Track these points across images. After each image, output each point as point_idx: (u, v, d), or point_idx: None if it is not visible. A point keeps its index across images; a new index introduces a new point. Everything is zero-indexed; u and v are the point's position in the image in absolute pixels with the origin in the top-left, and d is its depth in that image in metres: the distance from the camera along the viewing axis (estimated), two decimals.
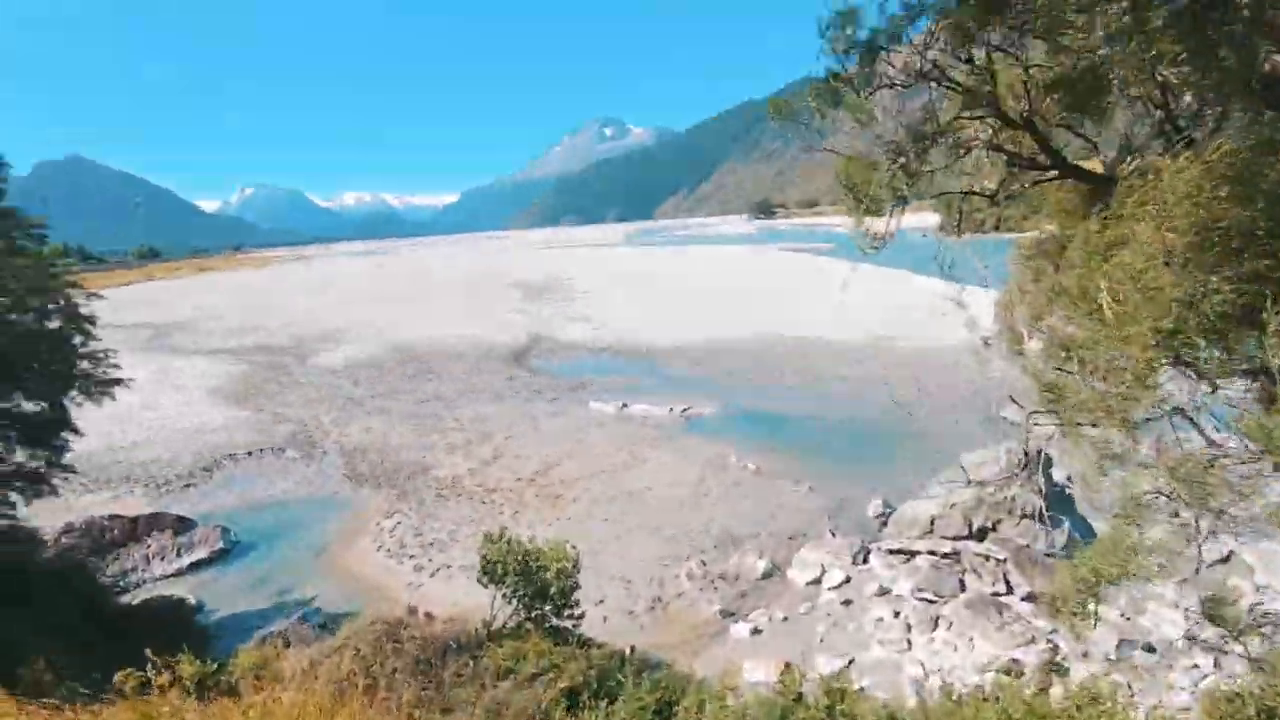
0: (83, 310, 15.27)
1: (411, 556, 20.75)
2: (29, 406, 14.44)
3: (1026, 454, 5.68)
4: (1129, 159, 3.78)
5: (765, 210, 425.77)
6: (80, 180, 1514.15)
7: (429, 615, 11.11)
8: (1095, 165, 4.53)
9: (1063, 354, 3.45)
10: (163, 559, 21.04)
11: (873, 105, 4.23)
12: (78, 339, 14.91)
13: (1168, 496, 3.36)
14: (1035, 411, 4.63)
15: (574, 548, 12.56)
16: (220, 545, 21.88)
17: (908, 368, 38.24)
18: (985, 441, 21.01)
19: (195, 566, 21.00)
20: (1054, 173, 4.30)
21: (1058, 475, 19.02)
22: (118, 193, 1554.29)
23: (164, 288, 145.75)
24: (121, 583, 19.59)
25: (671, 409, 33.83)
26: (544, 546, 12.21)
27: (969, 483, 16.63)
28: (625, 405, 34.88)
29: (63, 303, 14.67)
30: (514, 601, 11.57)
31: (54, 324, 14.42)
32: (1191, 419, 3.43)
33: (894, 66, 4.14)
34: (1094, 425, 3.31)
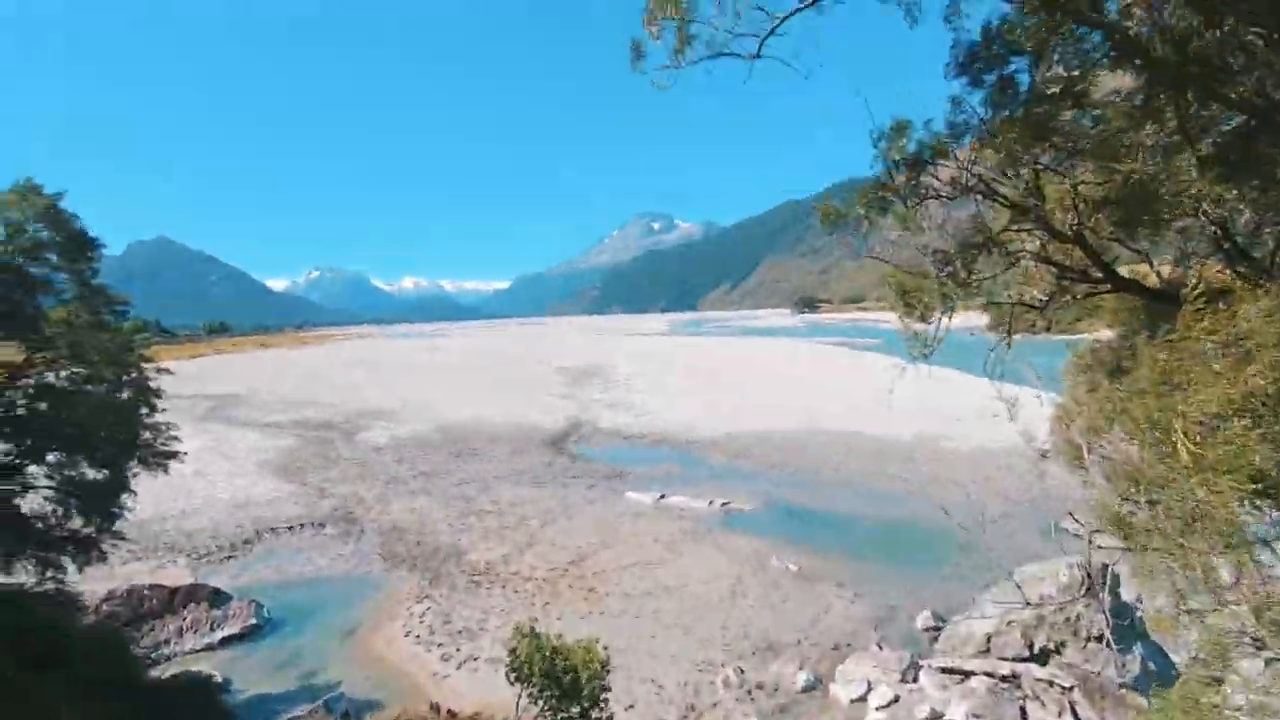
0: (151, 383, 16.11)
1: (440, 644, 20.24)
2: (91, 473, 15.04)
3: (1090, 573, 5.34)
4: (1188, 274, 3.73)
5: (809, 304, 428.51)
6: (165, 259, 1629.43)
7: (451, 714, 10.71)
8: (1145, 270, 4.49)
9: (1129, 484, 3.29)
10: (196, 632, 21.01)
11: (920, 215, 4.33)
12: (143, 410, 15.64)
13: (1253, 640, 3.08)
14: (1098, 531, 4.39)
15: (605, 647, 12.10)
16: (253, 621, 21.78)
17: (957, 469, 36.88)
18: (1042, 553, 19.80)
19: (227, 642, 20.88)
20: (1107, 286, 4.27)
21: (1125, 595, 17.68)
22: (197, 271, 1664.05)
23: (227, 362, 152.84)
24: (154, 654, 19.56)
25: (710, 502, 33.09)
26: (574, 644, 11.80)
27: (1027, 604, 15.50)
28: (663, 496, 34.29)
29: (135, 375, 15.52)
30: (540, 702, 11.10)
31: (124, 395, 15.21)
32: (1276, 550, 3.20)
33: (940, 179, 4.25)
34: (1169, 564, 3.10)
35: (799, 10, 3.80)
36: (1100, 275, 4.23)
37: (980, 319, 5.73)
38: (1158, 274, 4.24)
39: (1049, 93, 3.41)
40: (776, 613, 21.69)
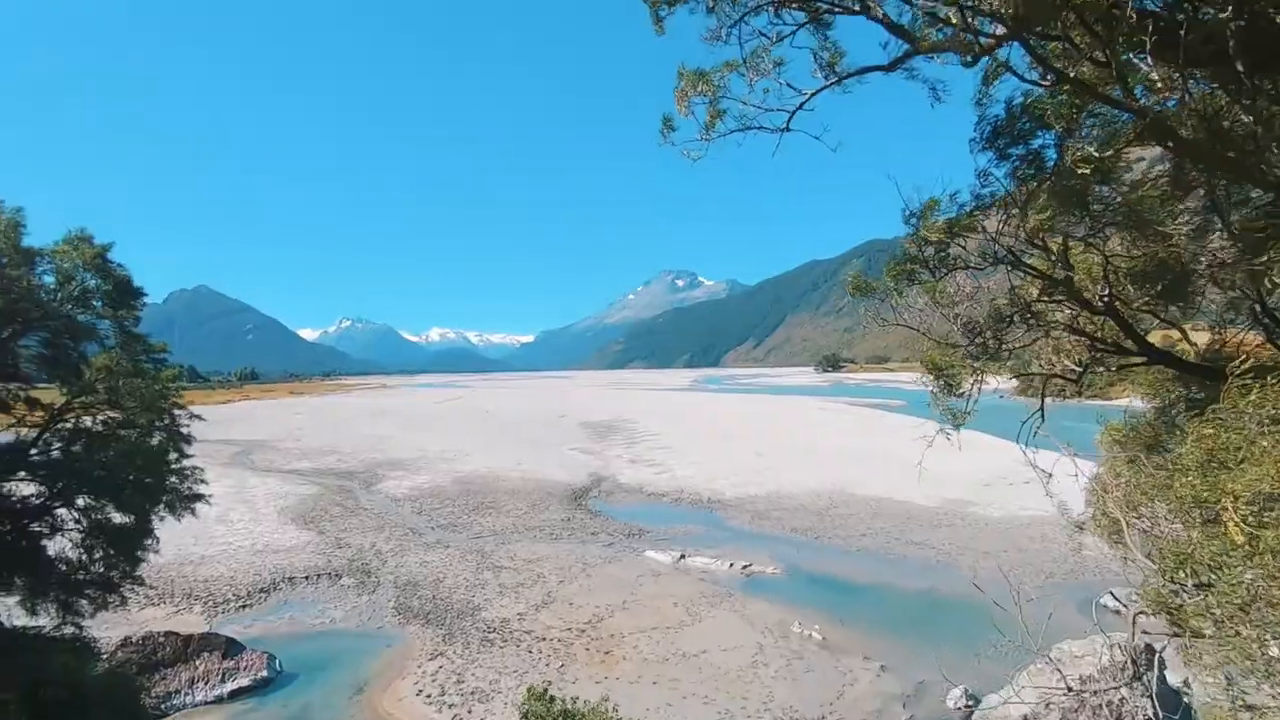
0: (183, 429, 16.37)
1: (451, 705, 19.70)
2: (117, 518, 15.17)
3: (1134, 656, 5.07)
4: (1227, 349, 3.66)
5: (833, 364, 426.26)
6: (204, 307, 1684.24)
7: None
8: (1180, 341, 4.41)
9: (1176, 565, 3.15)
10: (207, 683, 20.72)
11: (949, 285, 4.34)
12: (172, 455, 15.87)
13: None
14: (1142, 611, 4.20)
15: (615, 709, 11.68)
16: (264, 673, 21.45)
17: (987, 538, 35.71)
18: (1080, 629, 18.86)
19: (237, 694, 20.56)
20: (1141, 358, 4.19)
21: (1172, 679, 16.68)
22: (233, 320, 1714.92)
23: (256, 408, 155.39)
24: (164, 705, 19.29)
25: (731, 565, 32.29)
26: (587, 710, 11.41)
27: (1069, 689, 14.64)
28: (683, 556, 33.57)
29: (167, 421, 15.81)
30: None
31: (155, 441, 15.47)
32: None
33: (968, 250, 4.27)
34: (1224, 653, 2.93)
35: (827, 87, 3.93)
36: (1134, 347, 4.17)
37: (1008, 382, 5.65)
38: (1194, 347, 4.17)
39: (1077, 170, 3.45)
40: (799, 685, 20.82)
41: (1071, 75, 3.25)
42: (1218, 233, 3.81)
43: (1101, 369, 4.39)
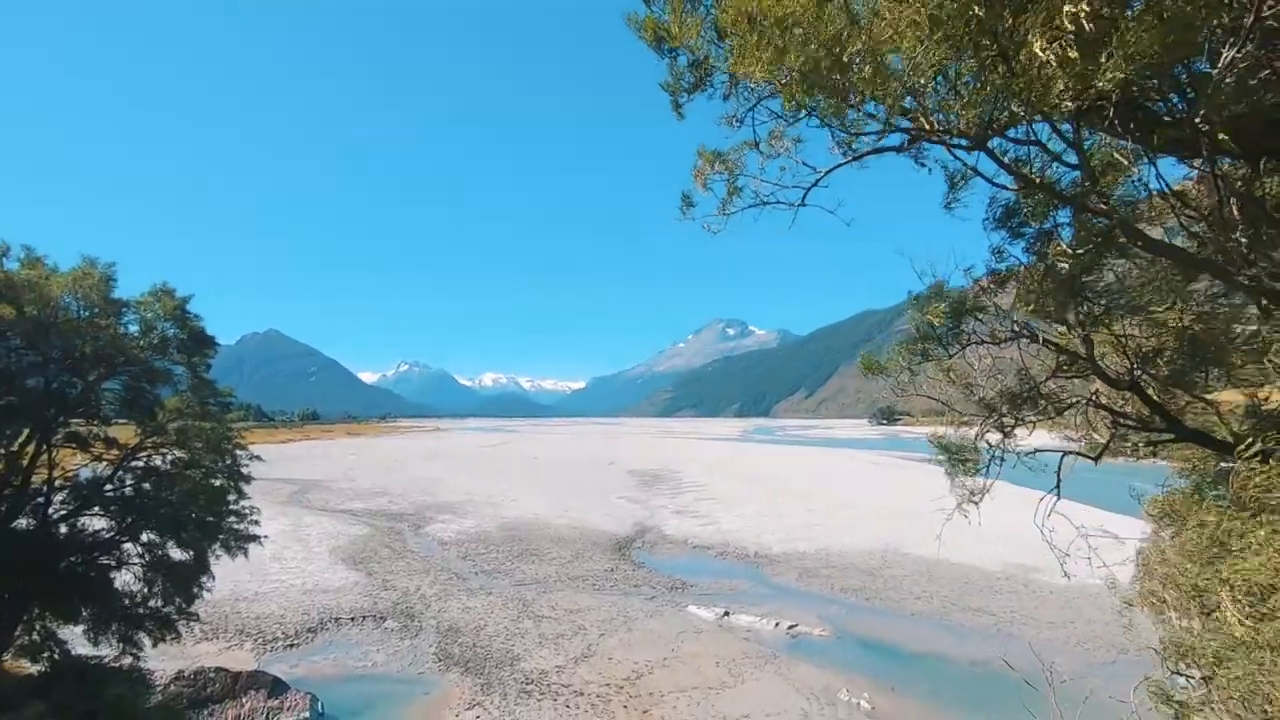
0: (243, 469, 17.20)
1: None
2: (178, 554, 15.93)
3: None
4: (1258, 431, 3.55)
5: (888, 416, 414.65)
6: (273, 350, 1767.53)
7: None
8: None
9: (1176, 655, 3.02)
10: None
11: (965, 360, 4.35)
12: (232, 495, 16.66)
13: None
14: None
15: None
16: (306, 715, 21.68)
17: (1050, 608, 33.64)
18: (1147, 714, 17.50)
19: None
20: (1170, 435, 4.08)
21: None
22: (299, 362, 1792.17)
23: (315, 447, 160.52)
24: None
25: (777, 624, 31.26)
26: None
27: None
28: (727, 614, 32.70)
29: (229, 462, 16.66)
30: None
31: (217, 481, 16.30)
32: None
33: (983, 323, 4.29)
34: None
35: (841, 165, 4.10)
36: (1161, 424, 4.06)
37: (1054, 440, 5.49)
38: (1227, 425, 4.03)
39: (1058, 264, 3.48)
40: None
41: (1039, 181, 3.33)
42: (1246, 303, 3.75)
43: (1129, 444, 4.29)
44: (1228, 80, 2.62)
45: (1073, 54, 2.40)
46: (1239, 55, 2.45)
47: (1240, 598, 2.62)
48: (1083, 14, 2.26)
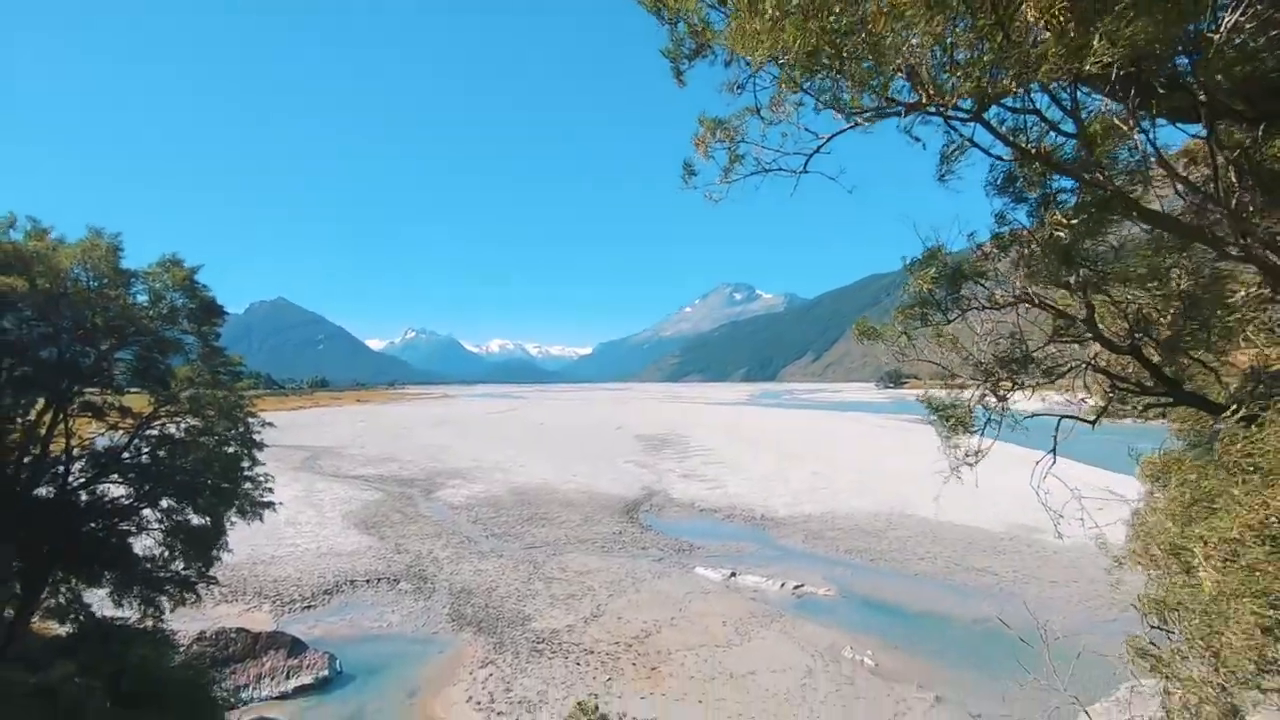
0: (256, 437, 17.47)
1: (500, 713, 20.12)
2: (195, 519, 16.31)
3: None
4: (1248, 394, 3.59)
5: (895, 380, 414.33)
6: (281, 318, 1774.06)
7: None
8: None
9: (1152, 610, 3.10)
10: (272, 679, 21.80)
11: (963, 325, 4.36)
12: (245, 462, 16.96)
13: None
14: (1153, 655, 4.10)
15: None
16: (325, 673, 22.42)
17: (1054, 567, 34.06)
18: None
19: (299, 691, 21.55)
20: (1169, 399, 4.11)
21: None
22: (307, 330, 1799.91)
23: (324, 415, 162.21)
24: (233, 699, 20.36)
25: (783, 585, 31.84)
26: None
27: None
28: (733, 575, 33.30)
29: (242, 429, 16.92)
30: None
31: (231, 448, 16.58)
32: None
33: (985, 287, 4.29)
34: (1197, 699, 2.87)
35: (843, 131, 4.06)
36: (1160, 387, 4.09)
37: (1057, 398, 5.51)
38: (1224, 388, 4.05)
39: (1055, 232, 3.46)
40: (849, 711, 20.37)
41: (1034, 151, 3.29)
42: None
43: (1129, 407, 4.33)
44: (1235, 40, 2.59)
45: (1068, 23, 2.38)
46: (1243, 18, 2.42)
47: (1213, 553, 2.70)
48: None
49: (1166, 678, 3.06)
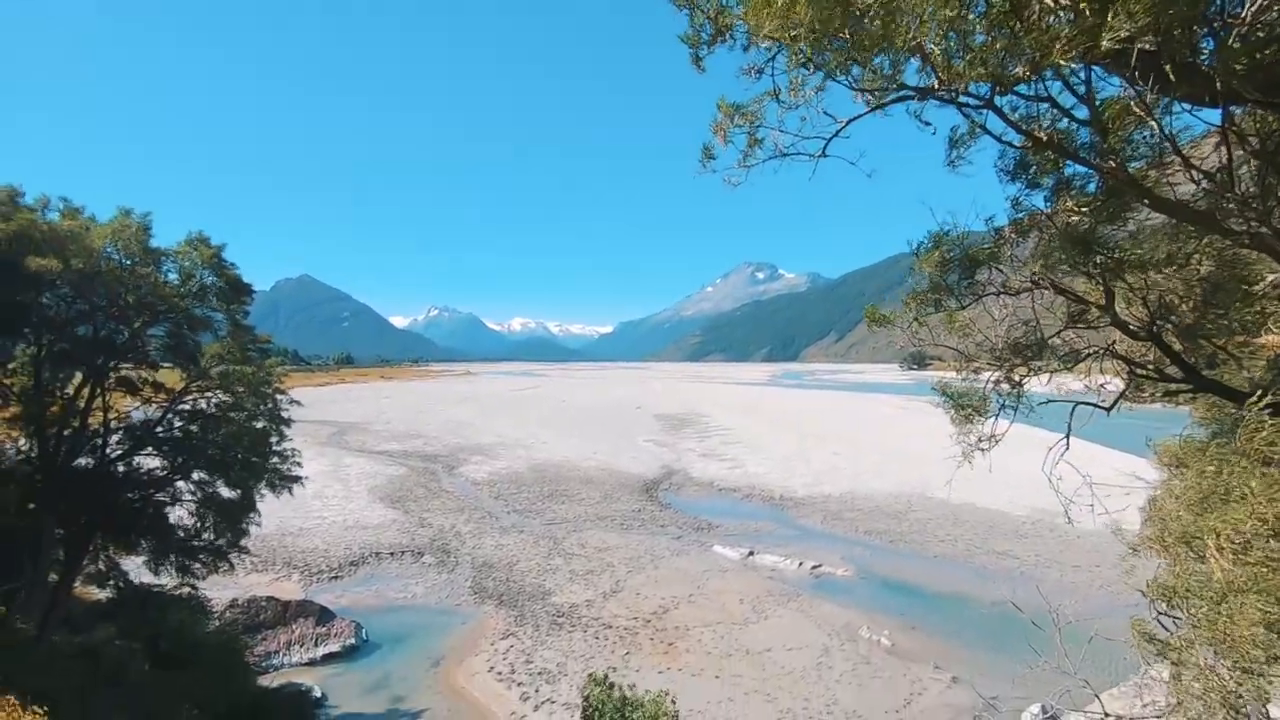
0: (283, 412, 17.88)
1: (520, 684, 20.62)
2: (225, 492, 16.83)
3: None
4: (1273, 382, 3.53)
5: (919, 361, 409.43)
6: (307, 295, 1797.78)
7: None
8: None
9: (1161, 597, 3.11)
10: (301, 646, 22.53)
11: (981, 310, 4.33)
12: (274, 438, 17.39)
13: None
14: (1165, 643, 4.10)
15: (674, 702, 12.01)
16: (352, 641, 23.12)
17: (1075, 552, 33.77)
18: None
19: (328, 658, 22.28)
20: (1188, 386, 4.06)
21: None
22: (332, 307, 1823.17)
23: (350, 391, 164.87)
24: (264, 664, 21.12)
25: (800, 564, 32.00)
26: (645, 696, 11.80)
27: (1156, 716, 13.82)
28: (751, 553, 33.52)
29: (270, 405, 17.33)
30: None
31: (260, 424, 17.00)
32: None
33: (1001, 272, 4.26)
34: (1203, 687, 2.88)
35: (861, 116, 4.04)
36: (1179, 374, 4.04)
37: (1075, 383, 5.46)
38: (1248, 375, 4.00)
39: (1069, 218, 3.41)
40: (865, 690, 20.54)
41: (1046, 139, 3.23)
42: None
43: (1147, 394, 4.29)
44: (1261, 22, 2.53)
45: (1073, 10, 2.35)
46: (1265, 3, 2.36)
47: (1225, 545, 2.69)
48: None
49: (1174, 663, 3.08)
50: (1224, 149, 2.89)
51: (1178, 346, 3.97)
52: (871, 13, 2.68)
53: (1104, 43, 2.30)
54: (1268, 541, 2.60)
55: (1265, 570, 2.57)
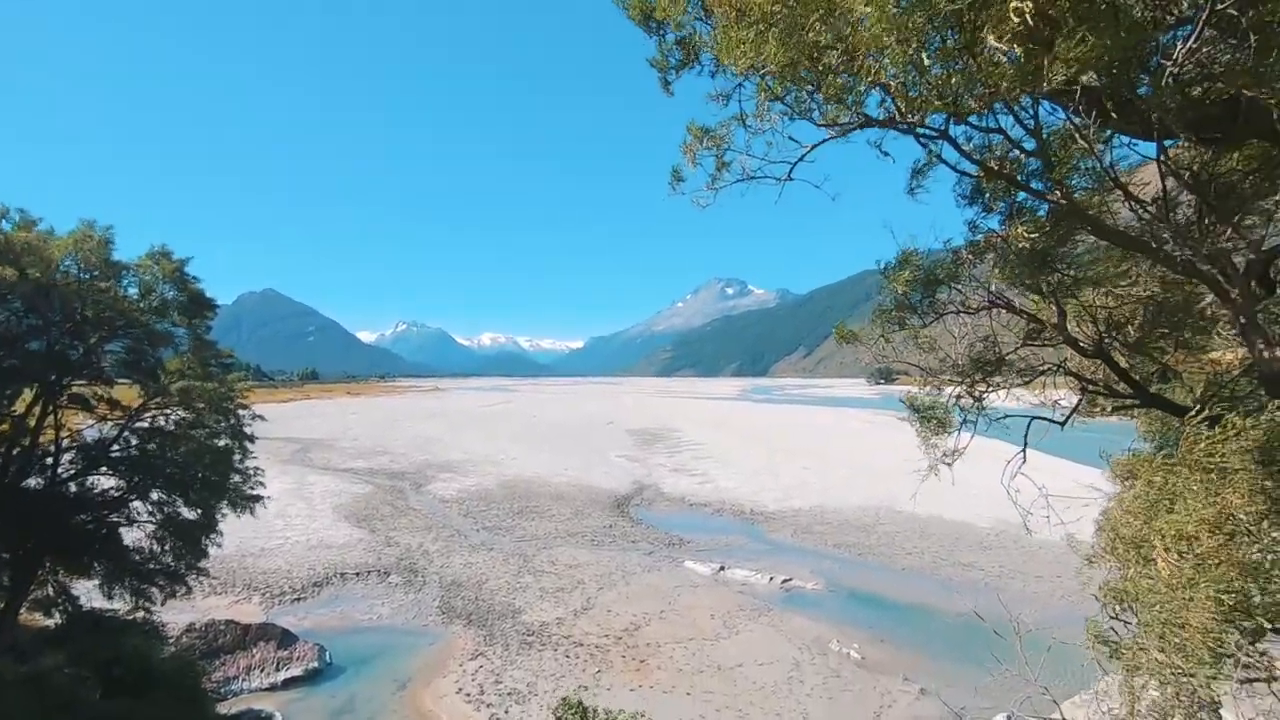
0: (246, 429, 17.50)
1: (489, 705, 20.28)
2: (185, 512, 16.35)
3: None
4: (1210, 397, 3.75)
5: (886, 376, 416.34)
6: (270, 310, 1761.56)
7: None
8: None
9: (1112, 600, 3.26)
10: (262, 670, 21.86)
11: (939, 329, 4.51)
12: (236, 455, 17.00)
13: None
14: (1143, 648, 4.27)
15: None
16: (315, 664, 22.50)
17: (1040, 562, 34.55)
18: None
19: (289, 683, 21.63)
20: (1136, 401, 4.27)
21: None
22: (297, 322, 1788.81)
23: (315, 407, 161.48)
24: (222, 690, 20.45)
25: (771, 579, 32.14)
26: (619, 717, 11.73)
27: None
28: (722, 568, 33.58)
29: (233, 422, 16.95)
30: None
31: (221, 441, 16.61)
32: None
33: (960, 291, 4.44)
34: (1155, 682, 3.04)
35: (826, 141, 4.19)
36: (1127, 390, 4.25)
37: (1035, 396, 5.66)
38: (1189, 391, 4.22)
39: (1019, 243, 3.61)
40: (835, 703, 20.66)
41: (997, 169, 3.44)
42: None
43: (1098, 409, 4.49)
44: (1187, 65, 2.73)
45: (1020, 49, 2.52)
46: (1194, 45, 2.55)
47: (1171, 545, 2.86)
48: (1028, 11, 2.38)
49: (1125, 667, 3.22)
50: (1162, 179, 3.09)
51: (1125, 364, 4.18)
52: (835, 51, 2.82)
53: (1045, 83, 2.47)
54: (1209, 539, 2.77)
55: (1211, 562, 2.74)
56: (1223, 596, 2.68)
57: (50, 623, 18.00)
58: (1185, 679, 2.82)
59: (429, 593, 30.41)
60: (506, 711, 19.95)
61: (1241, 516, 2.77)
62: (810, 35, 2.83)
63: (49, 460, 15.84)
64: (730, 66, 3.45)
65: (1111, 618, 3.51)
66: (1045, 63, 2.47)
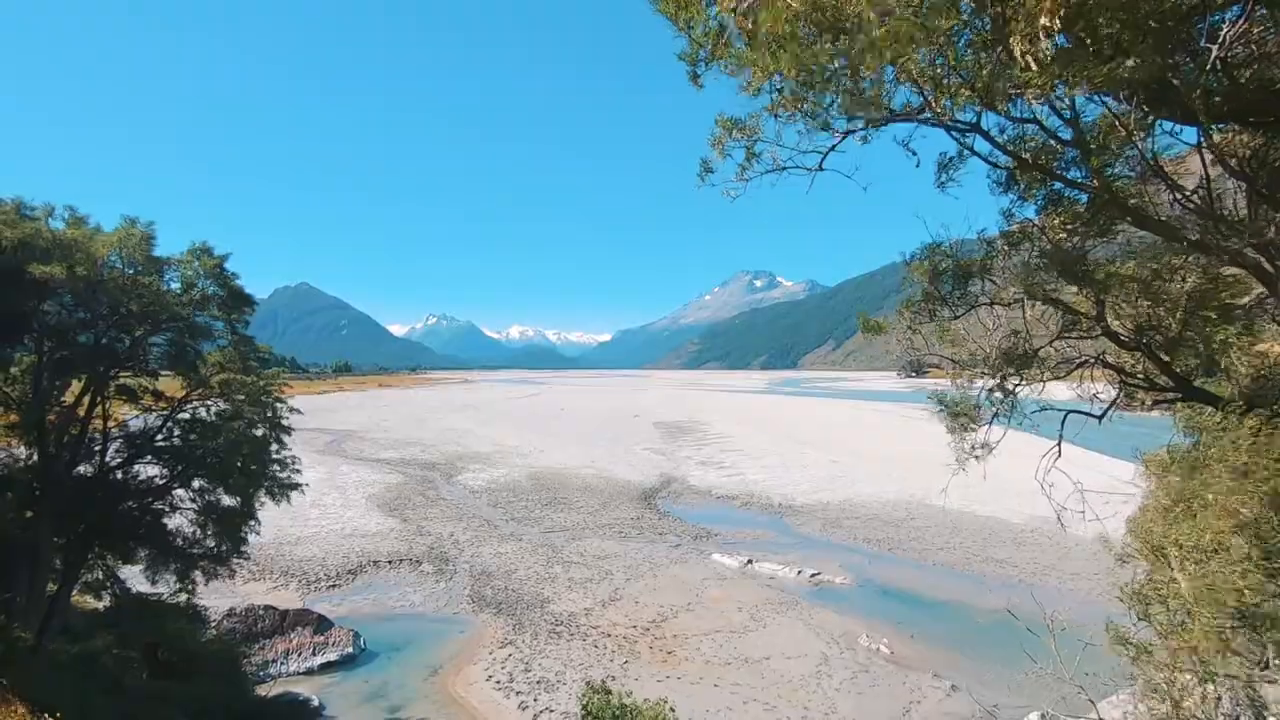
0: (283, 420, 17.93)
1: (518, 692, 20.56)
2: (226, 500, 16.85)
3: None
4: (1256, 391, 3.63)
5: (917, 369, 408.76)
6: (305, 303, 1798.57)
7: None
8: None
9: (1133, 602, 3.18)
10: (299, 655, 22.47)
11: (975, 320, 4.42)
12: (274, 446, 17.44)
13: None
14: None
15: (673, 710, 12.03)
16: (350, 650, 23.05)
17: (1074, 560, 33.78)
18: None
19: (325, 667, 22.21)
20: (1177, 394, 4.14)
21: None
22: (330, 315, 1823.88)
23: (348, 399, 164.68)
24: (261, 673, 21.04)
25: (799, 572, 31.98)
26: (644, 705, 11.82)
27: None
28: (750, 562, 33.49)
29: (270, 414, 17.38)
30: None
31: (259, 432, 17.05)
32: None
33: (993, 283, 4.35)
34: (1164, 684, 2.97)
35: (854, 132, 4.13)
36: (1170, 384, 4.12)
37: (1068, 391, 5.52)
38: (1235, 384, 4.07)
39: (1056, 237, 3.51)
40: (864, 698, 20.52)
41: (1031, 160, 3.34)
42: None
43: (1137, 403, 4.37)
44: (1235, 47, 2.63)
45: (1048, 56, 2.44)
46: (1235, 31, 2.45)
47: (1187, 556, 2.77)
48: (1055, 28, 2.30)
49: (1144, 665, 3.16)
50: (1205, 168, 2.99)
51: (1165, 357, 4.06)
52: (843, 64, 2.78)
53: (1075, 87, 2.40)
54: (1223, 553, 2.68)
55: (1220, 578, 2.65)
56: (1226, 623, 2.60)
57: (100, 605, 18.72)
58: (1199, 685, 2.76)
59: (459, 581, 30.90)
60: (535, 699, 20.22)
61: (1256, 519, 2.67)
62: (823, 59, 2.80)
63: (97, 449, 16.43)
64: (755, 79, 3.42)
65: (1139, 618, 3.43)
66: (1095, 59, 2.39)
